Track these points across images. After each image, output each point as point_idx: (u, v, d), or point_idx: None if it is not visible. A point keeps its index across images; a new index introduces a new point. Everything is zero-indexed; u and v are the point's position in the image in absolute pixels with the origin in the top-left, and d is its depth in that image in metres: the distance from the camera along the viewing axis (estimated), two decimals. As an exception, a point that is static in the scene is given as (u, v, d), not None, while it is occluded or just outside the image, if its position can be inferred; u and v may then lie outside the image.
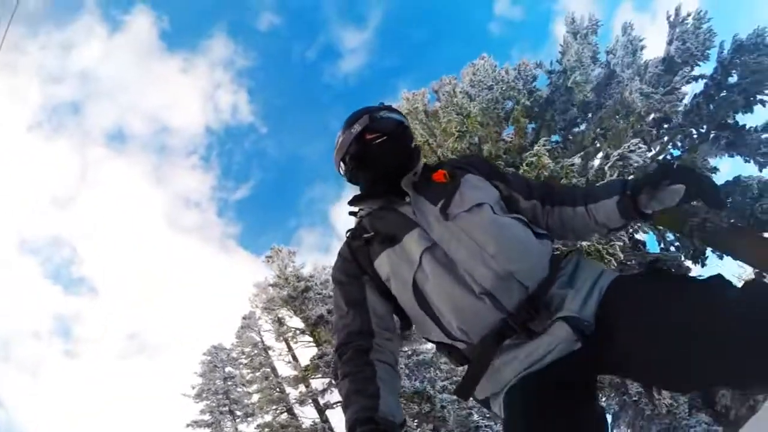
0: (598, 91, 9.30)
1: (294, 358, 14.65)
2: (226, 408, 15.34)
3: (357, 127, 1.25)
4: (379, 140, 1.23)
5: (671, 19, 9.06)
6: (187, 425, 14.84)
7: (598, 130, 9.09)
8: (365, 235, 1.17)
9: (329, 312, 14.26)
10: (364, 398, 0.97)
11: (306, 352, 14.60)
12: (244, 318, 16.05)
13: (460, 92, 10.57)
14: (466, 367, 1.07)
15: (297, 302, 14.68)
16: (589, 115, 9.51)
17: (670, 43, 8.84)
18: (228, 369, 16.06)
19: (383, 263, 1.13)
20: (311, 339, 14.47)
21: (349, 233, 1.26)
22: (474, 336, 1.01)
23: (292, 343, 14.80)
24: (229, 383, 15.63)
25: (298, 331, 14.70)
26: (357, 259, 1.18)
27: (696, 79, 8.65)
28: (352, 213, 1.32)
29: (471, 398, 1.08)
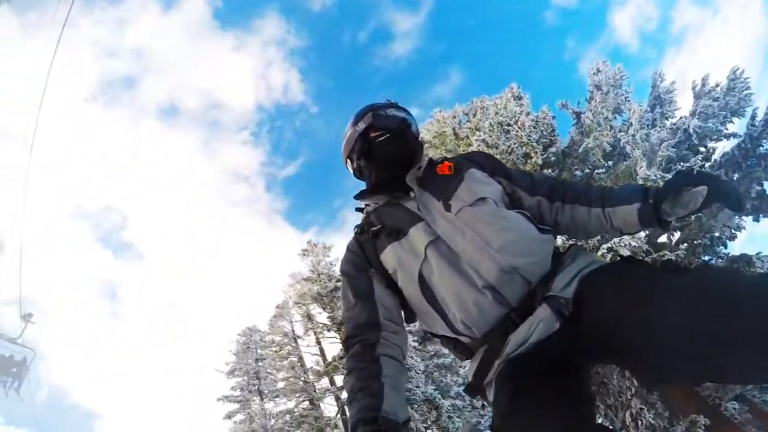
0: (608, 158, 8.86)
1: (321, 352, 15.20)
2: (255, 387, 16.31)
3: (361, 125, 1.31)
4: (383, 138, 1.27)
5: (696, 89, 8.18)
6: (218, 399, 16.03)
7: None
8: (372, 229, 1.20)
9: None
10: (367, 397, 0.98)
11: (333, 347, 15.10)
12: (277, 307, 16.80)
13: (479, 135, 10.38)
14: (470, 363, 1.09)
15: (326, 299, 15.12)
16: (599, 180, 9.03)
17: (693, 114, 7.98)
18: (260, 351, 16.99)
19: (389, 256, 1.15)
20: (337, 336, 14.90)
21: (357, 228, 1.28)
22: (477, 330, 1.03)
23: (320, 338, 15.34)
24: (260, 364, 16.56)
25: (325, 327, 15.17)
26: (365, 252, 1.22)
27: (709, 158, 7.84)
28: (359, 209, 1.37)
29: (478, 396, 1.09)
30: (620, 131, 8.78)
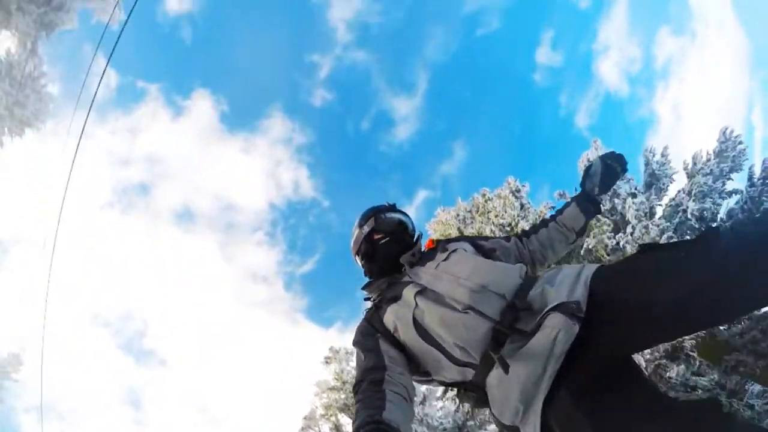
0: (612, 253, 8.60)
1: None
2: None
3: (366, 228, 1.60)
4: (384, 240, 1.56)
5: (689, 168, 7.93)
6: None
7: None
8: (376, 301, 1.42)
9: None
10: (370, 409, 1.03)
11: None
12: (304, 419, 16.66)
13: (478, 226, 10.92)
14: (492, 402, 1.07)
15: (354, 408, 15.10)
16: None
17: (689, 194, 7.63)
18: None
19: (389, 316, 1.33)
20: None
21: (368, 315, 1.45)
22: (473, 351, 1.08)
23: (349, 450, 14.97)
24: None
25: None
26: (372, 324, 1.38)
27: (715, 219, 7.42)
28: (367, 298, 1.54)
29: (497, 423, 1.08)
30: (620, 231, 8.60)
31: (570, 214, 1.53)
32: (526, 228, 1.63)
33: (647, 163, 9.48)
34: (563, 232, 1.53)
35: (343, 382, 15.78)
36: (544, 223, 1.58)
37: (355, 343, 1.39)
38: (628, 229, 8.20)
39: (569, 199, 1.56)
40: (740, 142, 7.64)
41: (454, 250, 1.40)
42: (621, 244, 8.02)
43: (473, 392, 1.15)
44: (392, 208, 1.68)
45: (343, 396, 15.34)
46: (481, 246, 1.53)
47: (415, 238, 1.61)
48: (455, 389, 1.26)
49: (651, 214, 8.20)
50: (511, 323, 1.05)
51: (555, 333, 0.96)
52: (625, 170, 1.47)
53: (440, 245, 1.50)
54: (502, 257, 1.51)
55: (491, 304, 1.11)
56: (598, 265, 1.11)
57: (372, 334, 1.35)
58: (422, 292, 1.27)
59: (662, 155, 8.76)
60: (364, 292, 1.56)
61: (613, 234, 8.73)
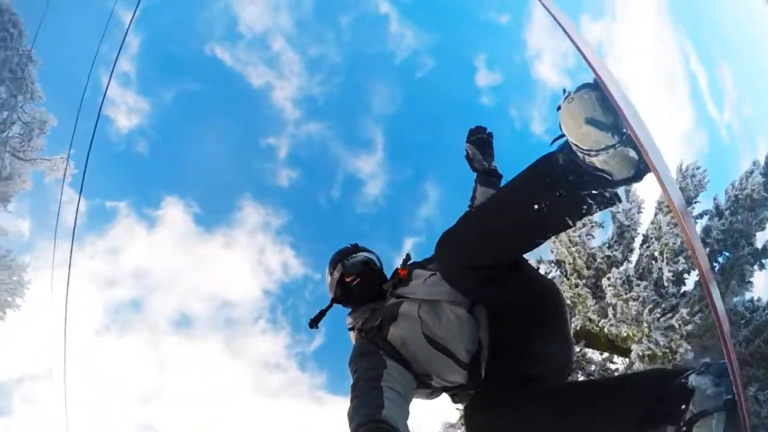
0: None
1: None
2: None
3: (336, 274, 1.76)
4: (355, 282, 1.70)
5: (649, 233, 7.17)
6: None
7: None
8: (375, 324, 1.44)
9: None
10: (367, 407, 1.06)
11: None
12: None
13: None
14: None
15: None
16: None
17: (661, 254, 6.85)
18: None
19: (395, 334, 1.39)
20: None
21: (361, 333, 1.51)
22: (474, 350, 1.37)
23: None
24: None
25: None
26: (373, 342, 1.40)
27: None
28: (351, 328, 1.64)
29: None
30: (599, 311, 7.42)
31: (480, 197, 1.68)
32: None
33: (613, 216, 8.39)
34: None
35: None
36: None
37: (353, 361, 1.37)
38: (609, 313, 7.22)
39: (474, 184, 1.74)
40: (697, 168, 7.15)
41: (435, 273, 1.52)
42: (606, 327, 7.01)
43: (471, 390, 1.37)
44: (356, 248, 1.84)
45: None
46: None
47: (387, 271, 1.77)
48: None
49: (629, 282, 6.99)
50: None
51: (481, 313, 1.45)
52: (490, 133, 1.74)
53: (414, 268, 1.65)
54: None
55: (480, 307, 1.41)
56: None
57: (375, 351, 1.36)
58: (421, 306, 1.43)
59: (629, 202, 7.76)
60: (348, 323, 1.66)
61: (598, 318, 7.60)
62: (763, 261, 6.23)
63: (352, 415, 1.06)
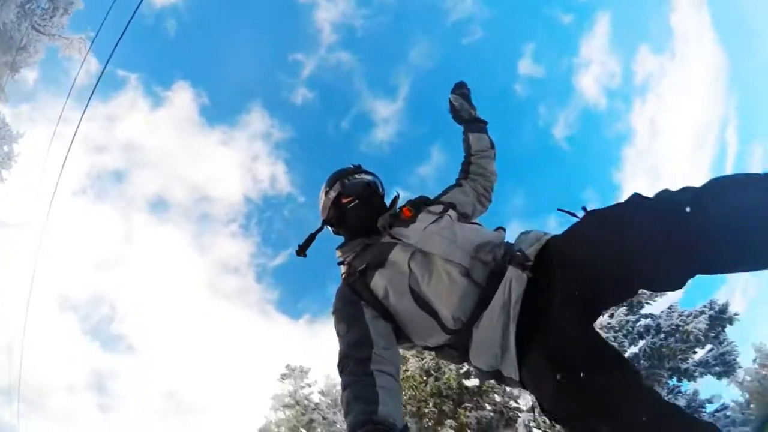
0: None
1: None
2: None
3: (333, 193, 1.54)
4: (352, 204, 1.50)
5: None
6: None
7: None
8: (360, 268, 1.32)
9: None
10: (363, 403, 1.00)
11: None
12: (259, 430, 16.83)
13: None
14: (472, 353, 1.18)
15: (304, 428, 15.28)
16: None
17: None
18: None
19: (378, 282, 1.28)
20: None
21: (345, 275, 1.40)
22: (465, 317, 1.17)
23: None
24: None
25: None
26: (354, 289, 1.32)
27: None
28: (340, 263, 1.49)
29: (477, 370, 1.23)
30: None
31: (474, 142, 1.64)
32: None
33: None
34: (483, 155, 1.64)
35: (296, 402, 15.77)
36: (467, 163, 1.66)
37: (336, 311, 1.33)
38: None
39: (463, 135, 1.69)
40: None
41: (441, 215, 1.38)
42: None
43: (455, 350, 1.24)
44: (358, 169, 1.63)
45: (294, 413, 15.38)
46: (455, 209, 1.50)
47: (391, 200, 1.56)
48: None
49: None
50: (495, 288, 1.13)
51: (508, 282, 1.11)
52: (468, 88, 1.71)
53: (420, 209, 1.45)
54: (471, 214, 1.58)
55: (481, 272, 1.18)
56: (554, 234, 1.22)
57: (355, 302, 1.30)
58: (413, 256, 1.26)
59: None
60: (341, 268, 1.48)
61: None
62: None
63: (347, 411, 1.02)
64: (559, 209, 1.27)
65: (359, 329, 1.21)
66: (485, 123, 1.70)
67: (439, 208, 1.45)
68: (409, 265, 1.25)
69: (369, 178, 1.61)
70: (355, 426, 0.96)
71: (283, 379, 16.82)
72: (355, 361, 1.13)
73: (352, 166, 1.63)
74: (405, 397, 9.61)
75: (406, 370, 9.47)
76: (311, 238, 1.55)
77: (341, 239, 1.59)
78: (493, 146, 1.68)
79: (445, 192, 1.61)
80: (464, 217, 1.52)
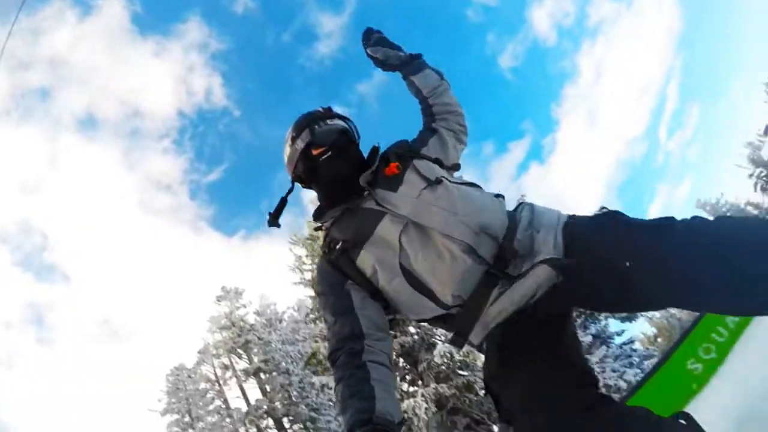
0: None
1: (244, 396, 15.62)
2: (189, 424, 16.77)
3: (300, 143, 1.30)
4: (325, 155, 1.28)
5: None
6: None
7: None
8: (339, 246, 1.21)
9: (265, 363, 15.01)
10: (360, 400, 0.98)
11: (255, 393, 15.53)
12: (198, 353, 16.90)
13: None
14: (457, 320, 1.14)
15: (241, 350, 15.38)
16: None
17: None
18: (190, 387, 17.23)
19: (365, 260, 1.17)
20: (256, 383, 15.32)
21: (325, 247, 1.28)
22: (465, 294, 1.09)
23: (242, 383, 15.70)
24: (191, 405, 16.88)
25: (244, 373, 15.52)
26: (338, 267, 1.21)
27: None
28: (317, 228, 1.37)
29: (466, 345, 1.21)
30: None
31: (422, 82, 1.45)
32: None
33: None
34: (437, 91, 1.45)
35: (232, 323, 15.69)
36: (427, 106, 1.46)
37: (321, 296, 1.26)
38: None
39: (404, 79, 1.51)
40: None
41: (436, 180, 1.20)
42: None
43: (449, 323, 1.18)
44: (329, 112, 1.37)
45: (231, 335, 15.38)
46: (443, 165, 1.34)
47: (369, 151, 1.35)
48: None
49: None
50: (503, 268, 1.07)
51: (538, 282, 1.05)
52: (378, 31, 1.52)
53: (407, 164, 1.25)
54: (456, 159, 1.44)
55: (487, 247, 1.09)
56: (568, 216, 1.18)
57: (341, 283, 1.20)
58: (405, 230, 1.13)
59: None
60: (315, 218, 1.37)
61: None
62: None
63: (343, 407, 0.99)
64: (602, 207, 1.21)
65: (349, 321, 1.14)
66: (420, 56, 1.49)
67: (429, 167, 1.26)
68: (400, 241, 1.12)
69: (342, 124, 1.37)
70: (353, 426, 0.94)
71: (218, 301, 16.61)
72: (347, 354, 1.09)
73: (321, 110, 1.38)
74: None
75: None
76: (282, 203, 1.39)
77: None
78: (442, 77, 1.48)
79: (422, 140, 1.40)
80: (453, 168, 1.42)
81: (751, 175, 19.20)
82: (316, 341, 9.29)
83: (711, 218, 1.04)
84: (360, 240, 1.17)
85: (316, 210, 1.36)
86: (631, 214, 1.11)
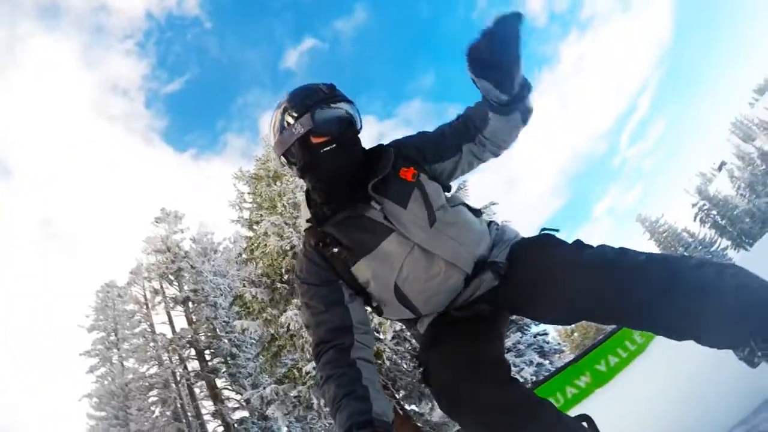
0: None
1: (171, 322, 15.52)
2: (114, 343, 16.66)
3: (300, 128, 1.12)
4: (328, 147, 1.13)
5: None
6: (80, 354, 16.28)
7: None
8: (335, 250, 1.16)
9: (195, 292, 14.86)
10: (356, 401, 0.99)
11: (180, 320, 15.45)
12: (131, 273, 16.46)
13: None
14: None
15: (172, 276, 15.08)
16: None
17: None
18: (119, 307, 16.96)
19: (363, 270, 1.14)
20: (183, 311, 15.21)
21: (314, 241, 1.21)
22: (442, 308, 1.20)
23: (169, 309, 15.54)
24: (117, 322, 16.67)
25: (173, 300, 15.34)
26: (331, 265, 1.18)
27: None
28: (308, 220, 1.27)
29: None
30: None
31: (505, 131, 1.18)
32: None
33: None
34: (508, 140, 1.23)
35: (168, 248, 15.26)
36: (482, 137, 1.20)
37: (307, 283, 1.20)
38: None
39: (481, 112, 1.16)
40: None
41: (442, 206, 1.18)
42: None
43: (418, 324, 1.25)
44: (333, 92, 1.17)
45: (163, 261, 15.01)
46: (438, 171, 1.24)
47: (374, 149, 1.24)
48: None
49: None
50: (474, 278, 1.16)
51: (481, 284, 1.16)
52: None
53: (418, 178, 1.18)
54: (448, 181, 1.28)
55: (471, 265, 1.17)
56: (521, 237, 1.28)
57: (333, 281, 1.18)
58: (411, 253, 1.13)
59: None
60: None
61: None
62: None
63: (336, 407, 0.99)
64: (544, 229, 1.27)
65: (339, 312, 1.14)
66: (530, 89, 1.09)
67: (436, 190, 1.20)
68: (402, 264, 1.12)
69: (348, 109, 1.16)
70: (352, 426, 0.94)
71: (157, 222, 16.04)
72: (336, 349, 1.09)
73: (324, 88, 1.16)
74: (259, 270, 9.33)
75: (266, 245, 9.01)
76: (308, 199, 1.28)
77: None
78: (526, 118, 1.16)
79: (438, 152, 1.23)
80: (446, 189, 1.28)
81: (694, 205, 20.36)
82: (244, 285, 9.17)
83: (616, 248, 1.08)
84: (362, 251, 1.14)
85: (312, 207, 1.23)
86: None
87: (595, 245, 1.08)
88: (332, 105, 1.14)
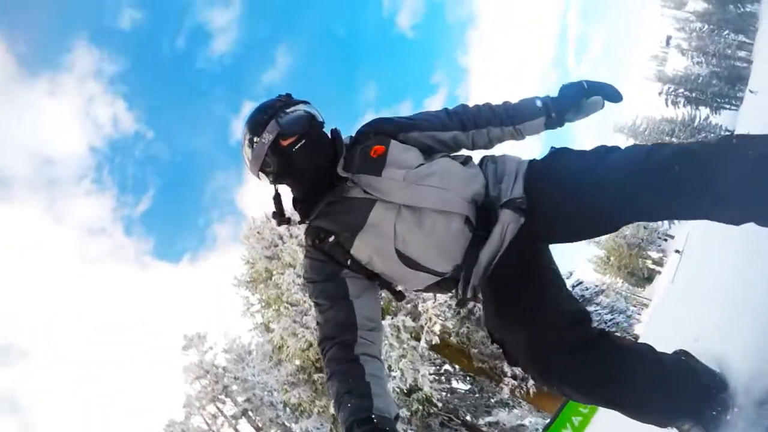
0: None
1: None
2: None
3: (268, 136, 1.18)
4: (298, 144, 1.18)
5: None
6: None
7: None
8: (331, 239, 1.19)
9: (249, 401, 14.85)
10: (357, 398, 0.99)
11: (250, 430, 15.41)
12: (184, 407, 16.43)
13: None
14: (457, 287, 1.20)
15: (223, 395, 15.12)
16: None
17: None
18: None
19: (360, 249, 1.16)
20: (248, 422, 15.19)
21: (310, 240, 1.24)
22: (460, 261, 1.15)
23: (235, 426, 15.52)
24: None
25: (233, 418, 15.33)
26: (331, 256, 1.20)
27: None
28: (300, 222, 1.31)
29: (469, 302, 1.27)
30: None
31: (533, 127, 1.24)
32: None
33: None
34: (516, 137, 1.29)
35: (206, 371, 15.30)
36: (498, 120, 1.25)
37: (311, 281, 1.23)
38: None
39: (536, 105, 1.23)
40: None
41: (419, 165, 1.19)
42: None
43: (443, 286, 1.22)
44: (290, 99, 1.26)
45: (208, 383, 15.04)
46: (422, 141, 1.27)
47: (331, 132, 1.27)
48: None
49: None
50: (485, 227, 1.13)
51: (506, 225, 1.11)
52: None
53: (389, 143, 1.23)
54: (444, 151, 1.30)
55: (474, 212, 1.14)
56: (528, 161, 1.23)
57: (336, 273, 1.19)
58: (399, 215, 1.14)
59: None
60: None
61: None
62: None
63: (338, 403, 0.99)
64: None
65: (344, 308, 1.14)
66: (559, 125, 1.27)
67: (406, 151, 1.22)
68: (395, 228, 1.13)
69: (306, 108, 1.24)
70: (352, 424, 0.94)
71: (185, 350, 16.06)
72: (339, 346, 1.09)
73: (280, 99, 1.25)
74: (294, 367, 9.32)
75: (288, 347, 9.01)
76: (278, 198, 1.28)
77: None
78: (522, 138, 1.31)
79: (413, 126, 1.28)
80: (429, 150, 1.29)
81: (660, 93, 20.29)
82: (285, 390, 9.19)
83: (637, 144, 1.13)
84: (352, 230, 1.16)
85: (297, 206, 1.29)
86: (559, 136, 1.17)
87: (622, 147, 1.10)
88: (292, 109, 1.22)
